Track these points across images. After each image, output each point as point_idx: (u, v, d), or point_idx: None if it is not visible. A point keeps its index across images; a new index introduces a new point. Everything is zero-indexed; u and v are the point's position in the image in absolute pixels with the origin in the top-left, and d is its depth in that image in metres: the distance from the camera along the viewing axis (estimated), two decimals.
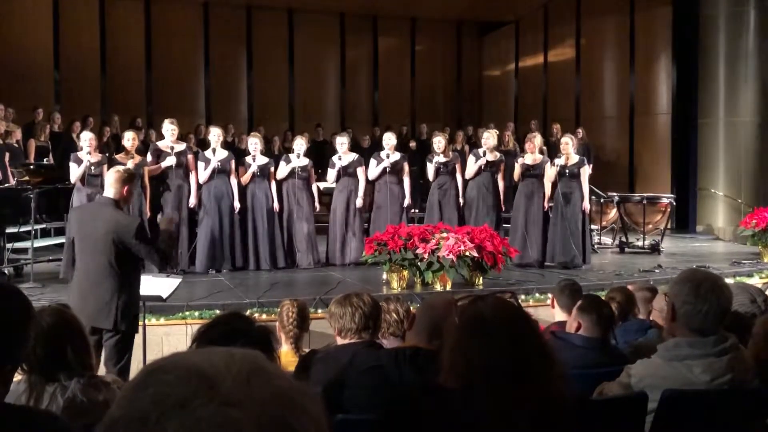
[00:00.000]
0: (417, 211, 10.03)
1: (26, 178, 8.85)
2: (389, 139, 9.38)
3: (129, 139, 8.28)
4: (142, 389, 0.72)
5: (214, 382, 0.71)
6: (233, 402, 0.70)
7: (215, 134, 8.79)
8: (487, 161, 9.21)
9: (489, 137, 9.37)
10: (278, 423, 0.70)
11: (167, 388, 0.71)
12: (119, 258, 4.62)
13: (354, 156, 9.36)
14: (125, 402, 0.73)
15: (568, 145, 9.12)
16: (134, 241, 4.60)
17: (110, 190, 4.76)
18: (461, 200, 9.38)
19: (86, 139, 8.10)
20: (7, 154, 10.02)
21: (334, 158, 9.29)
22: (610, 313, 3.66)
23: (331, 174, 9.24)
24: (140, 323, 5.55)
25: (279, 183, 8.99)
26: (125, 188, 4.76)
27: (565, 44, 16.48)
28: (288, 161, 9.02)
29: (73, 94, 14.62)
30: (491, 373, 1.78)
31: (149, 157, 8.45)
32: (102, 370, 4.85)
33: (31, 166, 9.63)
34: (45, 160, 10.93)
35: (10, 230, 8.37)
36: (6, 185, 8.80)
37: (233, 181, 8.69)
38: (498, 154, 9.45)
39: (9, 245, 8.38)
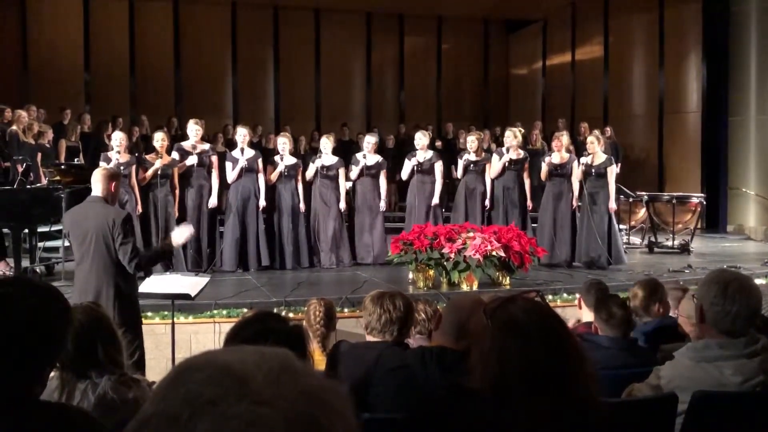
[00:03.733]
0: (444, 210, 10.02)
1: (57, 177, 8.98)
2: (420, 139, 9.37)
3: (159, 140, 8.36)
4: (174, 387, 0.73)
5: (244, 380, 0.72)
6: (263, 400, 0.71)
7: (241, 134, 8.85)
8: (511, 159, 9.16)
9: (511, 136, 9.32)
10: (307, 421, 0.71)
11: (199, 387, 0.72)
12: (112, 252, 4.70)
13: (379, 158, 9.38)
14: (157, 400, 0.74)
15: (594, 144, 9.02)
16: (116, 232, 4.65)
17: (97, 187, 4.84)
18: (487, 202, 9.33)
19: (117, 138, 8.18)
20: (39, 155, 10.17)
21: (358, 156, 9.32)
22: (623, 310, 3.62)
23: (354, 171, 9.26)
24: (168, 322, 5.62)
25: (308, 183, 9.05)
26: (111, 184, 4.86)
27: (593, 42, 16.34)
28: (314, 162, 9.08)
29: (103, 95, 14.82)
30: (529, 375, 1.78)
31: (174, 156, 8.52)
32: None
33: (62, 166, 9.76)
34: (76, 160, 11.07)
35: (41, 229, 8.51)
36: (38, 185, 8.93)
37: (261, 180, 8.75)
38: (522, 152, 9.39)
39: (41, 244, 8.51)
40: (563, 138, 9.26)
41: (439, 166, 9.30)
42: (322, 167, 8.99)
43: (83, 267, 4.77)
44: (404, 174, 9.34)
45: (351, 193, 9.40)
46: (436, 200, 9.29)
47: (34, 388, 1.72)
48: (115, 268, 4.73)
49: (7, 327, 1.67)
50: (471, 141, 9.44)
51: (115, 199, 5.04)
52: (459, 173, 9.45)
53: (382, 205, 9.28)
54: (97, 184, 4.84)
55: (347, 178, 9.41)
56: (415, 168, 9.18)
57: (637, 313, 4.22)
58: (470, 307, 2.80)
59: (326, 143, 9.15)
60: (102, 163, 8.03)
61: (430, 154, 9.36)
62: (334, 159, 9.12)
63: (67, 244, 8.57)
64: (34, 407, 1.67)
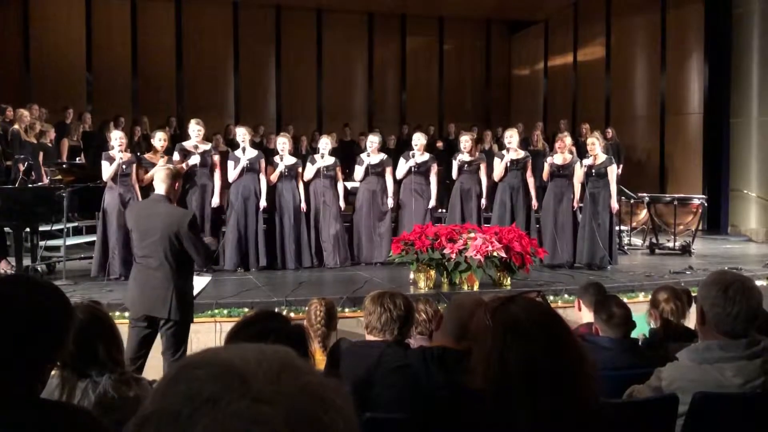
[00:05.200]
0: (444, 211, 10.01)
1: (59, 176, 8.99)
2: (418, 139, 9.37)
3: (160, 139, 8.37)
4: (175, 385, 0.73)
5: (245, 378, 0.72)
6: (264, 398, 0.71)
7: (241, 133, 8.88)
8: (513, 160, 9.16)
9: (512, 135, 9.32)
10: (308, 418, 0.71)
11: (199, 384, 0.72)
12: (175, 250, 4.82)
13: (383, 156, 9.38)
14: (158, 397, 0.74)
15: (595, 145, 9.02)
16: (186, 233, 4.81)
17: (161, 186, 4.97)
18: (483, 201, 9.33)
19: (116, 137, 8.18)
20: (41, 154, 10.18)
21: (363, 155, 9.32)
22: (623, 311, 3.62)
23: (359, 171, 9.27)
24: None
25: (307, 183, 9.04)
26: (176, 184, 5.03)
27: (594, 43, 16.34)
28: (313, 162, 9.07)
29: (105, 95, 14.84)
30: (530, 375, 1.78)
31: (175, 157, 8.53)
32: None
33: (64, 165, 9.78)
34: (77, 159, 11.09)
35: (43, 228, 8.51)
36: (40, 184, 8.94)
37: (262, 179, 8.75)
38: (522, 153, 9.39)
39: (42, 243, 8.52)
40: (566, 139, 9.26)
41: (434, 169, 9.32)
42: (324, 168, 8.99)
43: (145, 263, 4.89)
44: (399, 173, 9.33)
45: (354, 193, 9.39)
46: (433, 202, 9.30)
47: (34, 386, 1.72)
48: (177, 266, 4.85)
49: (9, 325, 1.67)
50: (464, 141, 9.44)
51: (177, 197, 5.21)
52: (454, 174, 9.44)
53: (390, 202, 9.26)
54: (161, 183, 4.96)
55: (350, 179, 9.41)
56: (413, 168, 9.18)
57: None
58: (472, 307, 2.80)
59: (326, 143, 9.16)
60: (104, 163, 8.04)
61: (427, 156, 9.36)
62: (332, 159, 9.12)
63: (69, 242, 8.61)
64: (34, 406, 1.68)
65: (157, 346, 5.02)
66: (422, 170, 9.23)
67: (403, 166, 9.26)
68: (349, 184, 9.64)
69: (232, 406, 0.70)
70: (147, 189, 8.20)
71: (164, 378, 0.76)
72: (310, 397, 0.73)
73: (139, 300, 4.90)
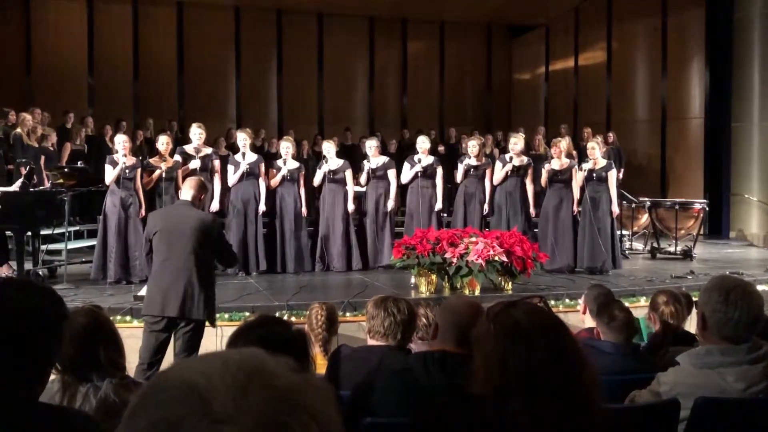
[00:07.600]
0: (446, 215, 10.00)
1: (60, 180, 9.00)
2: (423, 143, 9.37)
3: (163, 143, 8.40)
4: (141, 409, 0.73)
5: (205, 398, 0.71)
6: (225, 418, 0.69)
7: (241, 138, 8.89)
8: (514, 166, 9.16)
9: (517, 142, 9.32)
10: (276, 430, 0.70)
11: (162, 409, 0.71)
12: (203, 253, 4.94)
13: (384, 159, 9.39)
14: (126, 423, 0.74)
15: (595, 149, 9.03)
16: (216, 237, 5.01)
17: (188, 193, 5.11)
18: (486, 207, 9.32)
19: (120, 141, 8.19)
20: (42, 158, 10.19)
21: (365, 162, 9.34)
22: (625, 315, 3.62)
23: (363, 178, 9.29)
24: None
25: (318, 188, 9.08)
26: (201, 195, 5.20)
27: (596, 47, 16.35)
28: (321, 167, 9.12)
29: (107, 99, 14.85)
30: (531, 380, 1.77)
31: (177, 159, 8.54)
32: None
33: (65, 169, 9.78)
34: (79, 163, 11.10)
35: (44, 232, 8.51)
36: (41, 188, 8.95)
37: (262, 184, 8.76)
38: (525, 159, 9.39)
39: (43, 247, 8.52)
40: (561, 144, 9.28)
41: (439, 171, 9.30)
42: (329, 171, 9.00)
43: (170, 264, 4.95)
44: (405, 178, 9.33)
45: (363, 198, 9.38)
46: (439, 205, 9.29)
47: (33, 389, 1.72)
48: (202, 264, 4.96)
49: (5, 328, 1.67)
50: (472, 146, 9.44)
51: (201, 206, 5.38)
52: (458, 177, 9.44)
53: (390, 204, 9.26)
54: (189, 190, 5.12)
55: (359, 184, 9.41)
56: (419, 173, 9.17)
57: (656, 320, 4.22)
58: (467, 310, 2.80)
59: (329, 147, 9.18)
60: (108, 166, 8.05)
61: (431, 158, 9.36)
62: (340, 162, 9.14)
63: (70, 246, 8.61)
64: (33, 409, 1.67)
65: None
66: (429, 173, 9.23)
67: (408, 172, 9.26)
68: (356, 188, 9.64)
69: (192, 430, 0.69)
70: (151, 193, 8.21)
71: (133, 401, 0.76)
72: (278, 406, 0.71)
73: (167, 302, 4.91)
